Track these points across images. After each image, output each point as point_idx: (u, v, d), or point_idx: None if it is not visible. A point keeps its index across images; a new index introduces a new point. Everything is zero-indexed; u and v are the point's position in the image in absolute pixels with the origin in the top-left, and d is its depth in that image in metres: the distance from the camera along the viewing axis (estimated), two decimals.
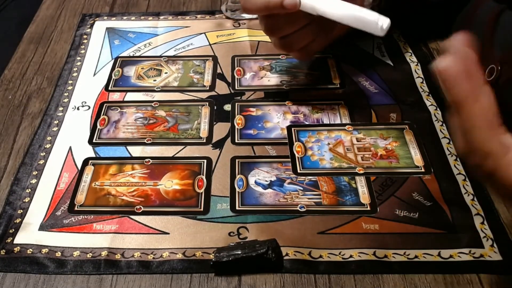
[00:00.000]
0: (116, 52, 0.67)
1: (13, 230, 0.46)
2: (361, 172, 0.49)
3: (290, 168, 0.50)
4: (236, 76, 0.62)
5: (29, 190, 0.49)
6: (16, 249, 0.44)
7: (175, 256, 0.43)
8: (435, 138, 0.53)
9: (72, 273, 0.42)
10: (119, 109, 0.58)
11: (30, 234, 0.45)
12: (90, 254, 0.44)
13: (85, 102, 0.59)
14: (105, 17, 0.74)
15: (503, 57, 0.53)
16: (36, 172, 0.51)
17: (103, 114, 0.57)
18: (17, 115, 0.58)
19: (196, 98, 0.59)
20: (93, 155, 0.52)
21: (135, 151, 0.53)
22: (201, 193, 0.48)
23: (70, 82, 0.62)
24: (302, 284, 0.41)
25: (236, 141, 0.54)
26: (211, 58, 0.65)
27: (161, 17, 0.73)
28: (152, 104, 0.58)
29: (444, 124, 0.54)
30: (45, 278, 0.42)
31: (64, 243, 0.44)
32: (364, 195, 0.47)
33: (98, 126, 0.56)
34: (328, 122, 0.55)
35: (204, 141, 0.54)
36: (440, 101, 0.57)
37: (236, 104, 0.58)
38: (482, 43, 0.57)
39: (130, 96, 0.60)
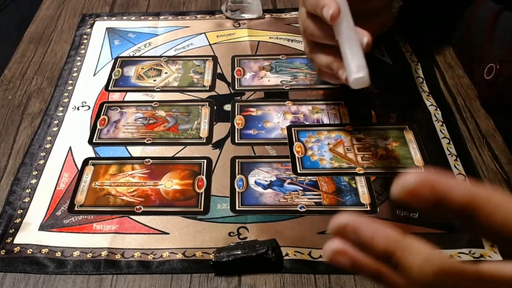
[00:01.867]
0: (116, 52, 0.67)
1: (13, 230, 0.46)
2: (361, 172, 0.49)
3: (290, 168, 0.50)
4: (236, 76, 0.62)
5: (29, 190, 0.49)
6: (16, 249, 0.44)
7: (175, 256, 0.43)
8: (435, 138, 0.53)
9: (72, 273, 0.42)
10: (119, 109, 0.58)
11: (30, 234, 0.45)
12: (90, 254, 0.44)
13: (85, 102, 0.59)
14: (105, 17, 0.74)
15: (502, 56, 0.53)
16: (36, 172, 0.51)
17: (103, 114, 0.57)
18: (17, 115, 0.58)
19: (196, 98, 0.59)
20: (93, 155, 0.52)
21: (135, 151, 0.53)
22: (201, 193, 0.48)
23: (70, 82, 0.62)
24: (302, 284, 0.41)
25: (236, 141, 0.54)
26: (211, 58, 0.65)
27: (161, 17, 0.73)
28: (152, 104, 0.58)
29: (444, 124, 0.54)
30: (45, 278, 0.42)
31: (64, 243, 0.44)
32: (364, 195, 0.47)
33: (98, 126, 0.56)
34: (328, 122, 0.55)
35: (204, 141, 0.54)
36: (440, 101, 0.57)
37: (236, 104, 0.58)
38: (481, 42, 0.57)
39: (130, 96, 0.60)
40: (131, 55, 0.66)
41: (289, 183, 0.49)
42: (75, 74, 0.63)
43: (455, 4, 0.65)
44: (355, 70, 0.43)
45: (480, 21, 0.59)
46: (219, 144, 0.53)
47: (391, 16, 0.56)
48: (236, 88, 0.60)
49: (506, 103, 0.53)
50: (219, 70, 0.63)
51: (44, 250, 0.44)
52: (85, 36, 0.70)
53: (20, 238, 0.45)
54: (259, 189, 0.48)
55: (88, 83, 0.62)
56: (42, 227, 0.46)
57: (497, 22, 0.56)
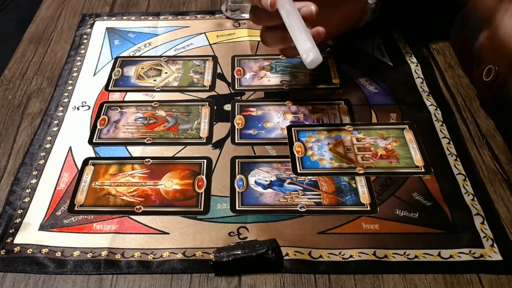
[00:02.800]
0: (116, 52, 0.67)
1: (13, 230, 0.46)
2: (361, 172, 0.49)
3: (290, 168, 0.50)
4: (236, 76, 0.62)
5: (29, 190, 0.49)
6: (16, 249, 0.44)
7: (175, 256, 0.43)
8: (435, 138, 0.53)
9: (72, 273, 0.42)
10: (119, 109, 0.58)
11: (30, 234, 0.45)
12: (90, 254, 0.44)
13: (85, 102, 0.59)
14: (105, 17, 0.74)
15: (501, 58, 0.53)
16: (36, 172, 0.51)
17: (103, 114, 0.57)
18: (17, 115, 0.58)
19: (196, 98, 0.59)
20: (93, 155, 0.52)
21: (135, 151, 0.53)
22: (201, 193, 0.48)
23: (70, 82, 0.62)
24: (302, 284, 0.41)
25: (236, 141, 0.54)
26: (211, 58, 0.65)
27: (161, 17, 0.73)
28: (152, 104, 0.58)
29: (444, 124, 0.54)
30: (45, 278, 0.42)
31: (64, 243, 0.44)
32: (364, 195, 0.48)
33: (98, 126, 0.56)
34: (328, 122, 0.55)
35: (204, 141, 0.54)
36: (440, 101, 0.57)
37: (236, 104, 0.58)
38: (480, 44, 0.57)
39: (130, 96, 0.60)
40: (131, 55, 0.66)
41: (289, 183, 0.49)
42: (75, 74, 0.63)
43: (452, 3, 0.65)
44: (305, 57, 0.46)
45: (478, 22, 0.59)
46: (219, 144, 0.53)
47: (364, 7, 0.57)
48: (236, 88, 0.60)
49: (505, 105, 0.53)
50: (219, 70, 0.63)
51: (44, 250, 0.44)
52: (85, 36, 0.70)
53: (20, 238, 0.45)
54: (259, 189, 0.48)
55: (88, 83, 0.62)
56: (42, 227, 0.46)
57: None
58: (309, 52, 0.46)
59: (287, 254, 0.43)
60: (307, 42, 0.46)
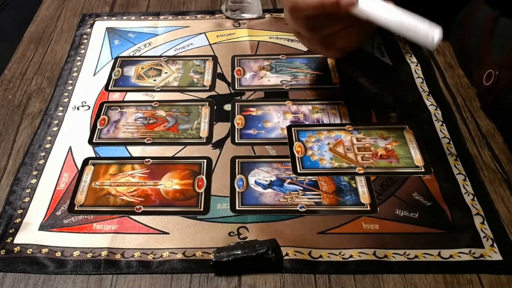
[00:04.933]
0: (116, 52, 0.67)
1: (13, 230, 0.46)
2: (361, 172, 0.49)
3: (290, 168, 0.50)
4: (236, 76, 0.62)
5: (29, 190, 0.49)
6: (16, 249, 0.44)
7: (175, 256, 0.43)
8: (435, 138, 0.53)
9: (72, 273, 0.42)
10: (119, 109, 0.58)
11: (30, 234, 0.45)
12: (90, 254, 0.44)
13: (85, 102, 0.59)
14: (105, 17, 0.74)
15: (501, 62, 0.53)
16: (36, 172, 0.51)
17: (103, 114, 0.57)
18: (17, 115, 0.58)
19: (196, 98, 0.59)
20: (93, 155, 0.52)
21: (135, 151, 0.53)
22: (201, 193, 0.48)
23: (70, 82, 0.62)
24: (302, 284, 0.41)
25: (236, 141, 0.54)
26: (211, 58, 0.65)
27: (161, 17, 0.73)
28: (152, 104, 0.58)
29: (444, 124, 0.54)
30: (45, 278, 0.42)
31: (64, 243, 0.44)
32: (364, 195, 0.47)
33: (98, 126, 0.56)
34: (328, 122, 0.55)
35: (204, 141, 0.54)
36: (440, 101, 0.57)
37: (236, 104, 0.58)
38: (479, 48, 0.57)
39: (130, 96, 0.60)
40: (131, 55, 0.66)
41: (289, 183, 0.49)
42: (75, 74, 0.63)
43: (451, 4, 0.65)
44: (429, 33, 0.42)
45: (477, 26, 0.59)
46: (219, 144, 0.53)
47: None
48: (236, 88, 0.60)
49: (505, 110, 0.52)
50: (219, 70, 0.63)
51: (44, 250, 0.44)
52: (85, 36, 0.70)
53: (20, 238, 0.45)
54: (259, 189, 0.48)
55: (88, 83, 0.62)
56: (42, 227, 0.46)
57: (496, 28, 0.55)
58: (429, 31, 0.41)
59: (287, 254, 0.43)
60: (426, 23, 0.42)
